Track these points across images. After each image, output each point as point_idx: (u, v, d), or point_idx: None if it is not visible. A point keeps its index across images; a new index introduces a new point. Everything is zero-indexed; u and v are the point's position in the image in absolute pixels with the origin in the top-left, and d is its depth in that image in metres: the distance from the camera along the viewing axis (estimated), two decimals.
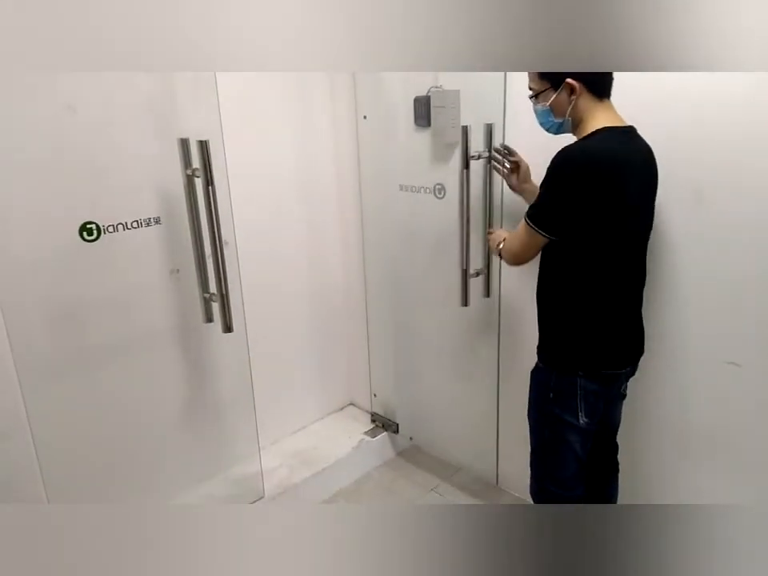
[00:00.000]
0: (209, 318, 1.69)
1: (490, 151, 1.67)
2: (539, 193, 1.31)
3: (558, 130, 1.35)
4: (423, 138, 1.91)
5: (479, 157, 1.66)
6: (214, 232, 1.56)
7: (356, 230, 2.27)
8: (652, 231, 1.39)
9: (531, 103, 1.37)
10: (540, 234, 1.30)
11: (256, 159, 1.98)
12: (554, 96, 1.29)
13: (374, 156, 2.11)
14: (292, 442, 2.32)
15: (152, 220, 1.57)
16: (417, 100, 1.86)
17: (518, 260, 1.42)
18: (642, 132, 1.31)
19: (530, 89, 1.35)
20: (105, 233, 1.48)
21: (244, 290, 1.79)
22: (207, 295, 1.66)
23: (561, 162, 1.24)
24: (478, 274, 1.81)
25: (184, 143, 1.53)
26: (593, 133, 1.27)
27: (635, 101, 1.35)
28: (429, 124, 1.86)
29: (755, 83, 1.27)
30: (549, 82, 1.29)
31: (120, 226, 1.50)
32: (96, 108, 1.43)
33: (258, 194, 2.01)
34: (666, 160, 1.35)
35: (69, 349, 1.50)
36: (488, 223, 1.77)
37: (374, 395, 2.44)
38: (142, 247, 1.57)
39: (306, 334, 2.32)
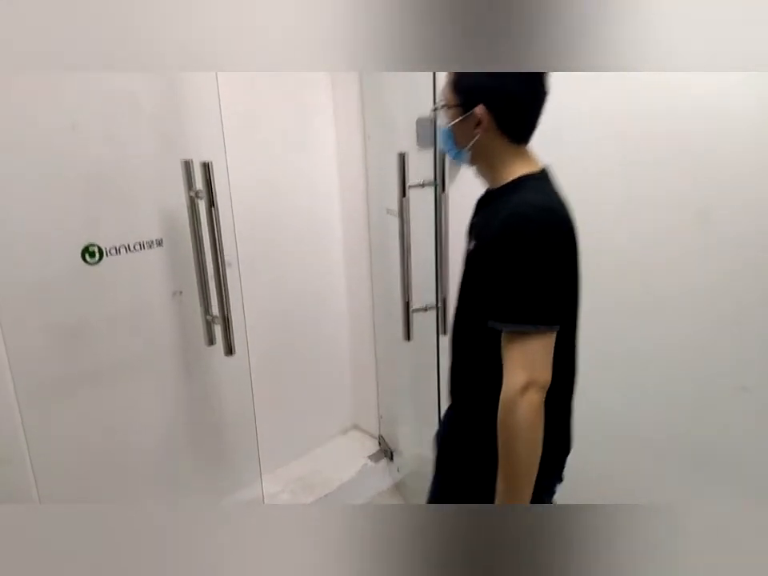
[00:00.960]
0: (211, 341, 1.67)
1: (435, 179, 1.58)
2: (506, 283, 0.96)
3: (456, 157, 1.12)
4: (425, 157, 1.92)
5: (423, 185, 1.62)
6: (216, 253, 1.55)
7: (362, 251, 2.26)
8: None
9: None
10: (550, 330, 0.95)
11: (259, 179, 1.98)
12: (459, 118, 1.05)
13: (379, 176, 2.12)
14: (295, 467, 2.28)
15: (154, 242, 1.56)
16: (419, 121, 1.87)
17: (542, 387, 0.94)
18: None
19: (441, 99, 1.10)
20: (107, 255, 1.47)
21: (247, 312, 1.77)
22: (209, 317, 1.65)
23: (526, 232, 0.95)
24: (426, 309, 1.72)
25: (187, 164, 1.53)
26: (517, 181, 1.04)
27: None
28: (431, 144, 1.86)
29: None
30: (460, 98, 1.05)
31: (122, 248, 1.50)
32: (99, 127, 1.43)
33: (262, 214, 2.01)
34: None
35: (69, 372, 1.47)
36: (438, 253, 1.68)
37: (381, 417, 2.40)
38: (144, 269, 1.56)
39: (309, 356, 2.30)
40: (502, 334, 0.97)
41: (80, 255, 1.43)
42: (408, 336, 1.69)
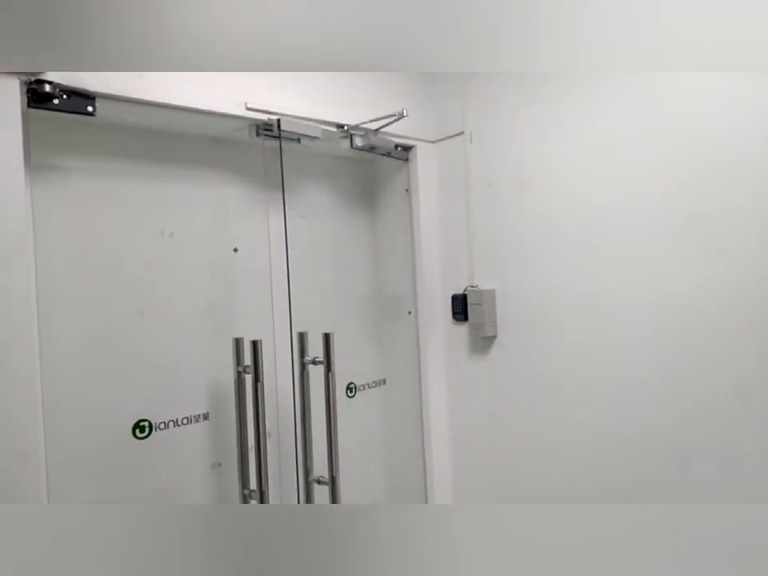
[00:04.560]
0: None
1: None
2: None
3: None
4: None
5: (314, 362, 1.71)
6: (258, 426, 1.60)
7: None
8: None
9: None
10: None
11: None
12: None
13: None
14: None
15: (201, 416, 1.62)
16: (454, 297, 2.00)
17: None
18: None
19: None
20: (156, 430, 1.53)
21: (283, 483, 1.76)
22: (247, 492, 1.64)
23: None
24: (318, 482, 1.70)
25: (238, 342, 1.64)
26: None
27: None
28: (466, 319, 1.97)
29: None
30: None
31: (171, 423, 1.56)
32: (161, 311, 1.58)
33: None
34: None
35: None
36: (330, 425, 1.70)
37: None
38: (188, 442, 1.61)
39: None
40: None
41: (131, 430, 1.49)
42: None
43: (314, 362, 1.72)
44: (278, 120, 1.63)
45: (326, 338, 1.70)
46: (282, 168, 1.72)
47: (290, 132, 1.66)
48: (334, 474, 1.69)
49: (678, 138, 1.49)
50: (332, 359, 1.70)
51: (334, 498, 1.68)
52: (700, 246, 1.47)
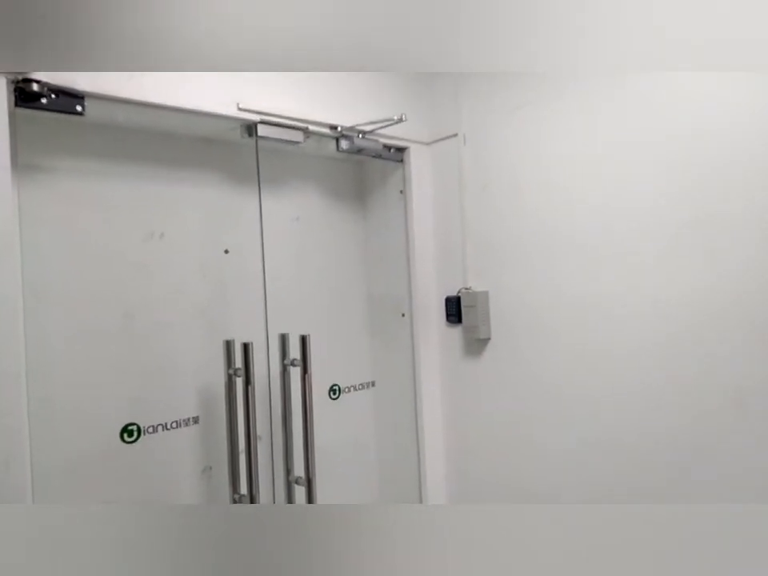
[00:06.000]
0: None
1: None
2: None
3: None
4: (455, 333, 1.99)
5: (293, 363, 1.69)
6: (248, 429, 1.58)
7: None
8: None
9: None
10: None
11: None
12: None
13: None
14: None
15: (191, 420, 1.60)
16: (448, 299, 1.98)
17: None
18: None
19: None
20: (145, 434, 1.51)
21: (275, 487, 1.74)
22: (237, 496, 1.62)
23: None
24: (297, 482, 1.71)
25: (229, 344, 1.63)
26: None
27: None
28: (460, 321, 1.95)
29: None
30: None
31: (160, 427, 1.54)
32: (151, 313, 1.56)
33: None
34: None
35: None
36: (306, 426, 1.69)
37: None
38: (178, 446, 1.59)
39: None
40: None
41: (119, 435, 1.47)
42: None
43: (293, 364, 1.70)
44: (255, 125, 1.62)
45: (303, 339, 1.68)
46: (259, 172, 1.72)
47: (267, 138, 1.65)
48: (310, 476, 1.68)
49: (675, 138, 1.48)
50: (308, 361, 1.68)
51: (310, 499, 1.68)
52: (699, 247, 1.45)
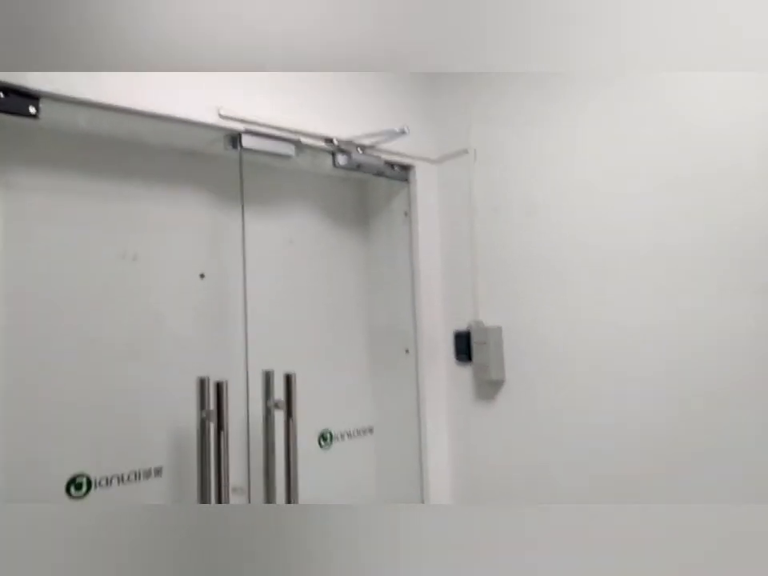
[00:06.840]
0: None
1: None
2: None
3: None
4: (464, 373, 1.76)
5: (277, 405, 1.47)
6: (220, 482, 1.36)
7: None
8: None
9: None
10: None
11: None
12: None
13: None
14: None
15: (152, 471, 1.38)
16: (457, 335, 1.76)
17: None
18: None
19: None
20: (96, 487, 1.29)
21: None
22: None
23: None
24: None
25: (203, 382, 1.42)
26: None
27: None
28: (470, 359, 1.72)
29: None
30: None
31: (114, 479, 1.32)
32: (116, 342, 1.37)
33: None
34: None
35: None
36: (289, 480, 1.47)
37: None
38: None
39: None
40: None
41: (65, 487, 1.25)
42: None
43: (277, 406, 1.49)
44: (240, 135, 1.44)
45: (287, 378, 1.47)
46: (242, 188, 1.54)
47: (254, 150, 1.47)
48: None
49: (707, 159, 1.27)
50: (293, 403, 1.46)
51: None
52: (734, 272, 1.22)
